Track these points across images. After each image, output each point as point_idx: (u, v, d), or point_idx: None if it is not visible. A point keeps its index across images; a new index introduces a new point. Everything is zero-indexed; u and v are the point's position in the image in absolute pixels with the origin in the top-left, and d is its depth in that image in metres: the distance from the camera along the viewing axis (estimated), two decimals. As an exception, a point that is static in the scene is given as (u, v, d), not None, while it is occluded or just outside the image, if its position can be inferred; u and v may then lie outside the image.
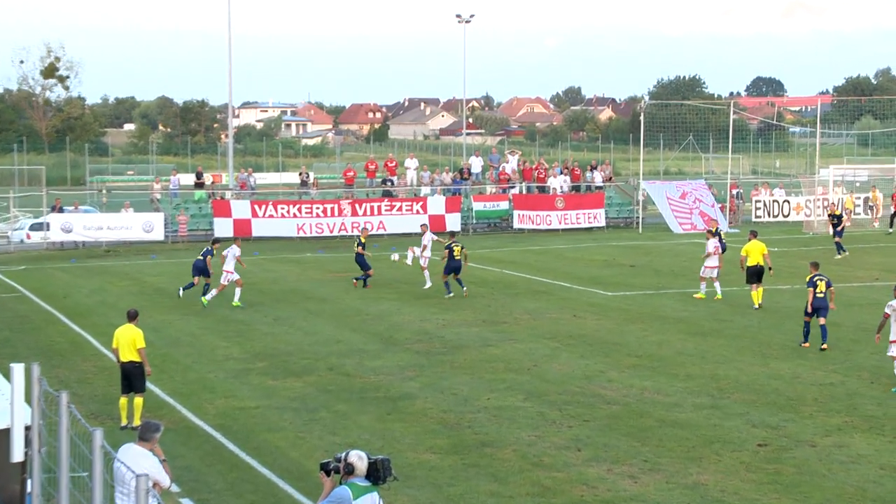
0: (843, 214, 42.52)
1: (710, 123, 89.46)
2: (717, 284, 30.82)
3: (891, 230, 49.48)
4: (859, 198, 55.67)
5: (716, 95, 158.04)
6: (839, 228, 41.24)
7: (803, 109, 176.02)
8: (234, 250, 30.34)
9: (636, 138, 62.24)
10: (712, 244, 30.98)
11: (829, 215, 43.19)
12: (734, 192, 56.31)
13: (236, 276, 30.25)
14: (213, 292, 30.09)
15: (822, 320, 23.61)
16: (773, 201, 55.90)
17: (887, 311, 20.29)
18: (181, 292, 31.10)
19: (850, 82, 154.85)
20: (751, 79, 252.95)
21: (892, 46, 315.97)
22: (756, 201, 55.73)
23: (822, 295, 23.66)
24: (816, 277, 23.93)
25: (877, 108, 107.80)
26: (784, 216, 55.43)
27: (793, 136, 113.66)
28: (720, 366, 22.24)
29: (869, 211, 54.75)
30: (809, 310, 23.76)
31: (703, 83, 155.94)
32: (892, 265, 38.28)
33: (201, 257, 30.72)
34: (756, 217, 55.01)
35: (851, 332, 25.64)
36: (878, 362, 22.01)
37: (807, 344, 23.89)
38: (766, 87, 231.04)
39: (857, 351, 23.51)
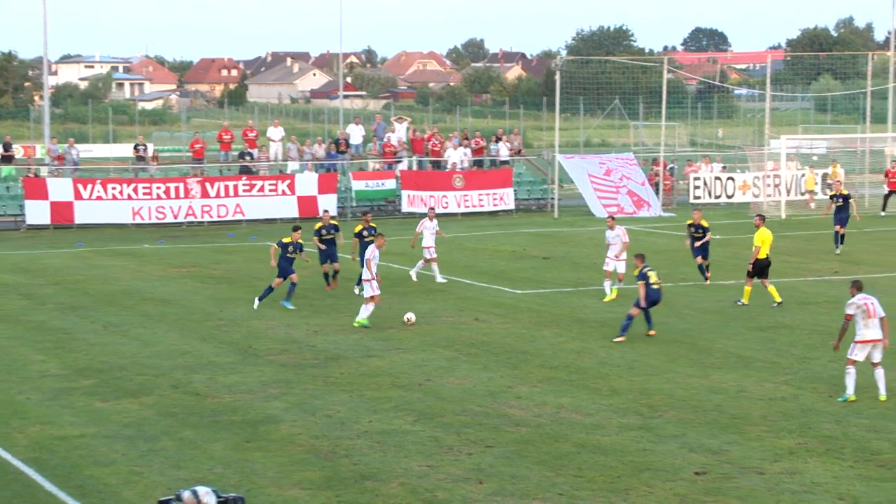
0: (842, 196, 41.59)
1: (641, 84, 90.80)
2: (607, 283, 31.26)
3: (883, 213, 50.87)
4: (817, 174, 57.06)
5: (647, 51, 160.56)
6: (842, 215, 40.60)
7: (751, 68, 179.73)
8: None
9: (551, 102, 62.83)
10: (613, 235, 31.35)
11: (832, 196, 42.54)
12: (669, 167, 57.26)
13: None
14: None
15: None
16: (715, 179, 56.99)
17: (849, 311, 20.85)
18: (256, 303, 30.39)
19: (807, 35, 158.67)
20: (688, 31, 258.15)
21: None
22: (694, 178, 56.72)
23: (656, 286, 26.17)
24: (646, 269, 26.27)
25: (837, 67, 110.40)
26: (728, 196, 56.54)
27: (738, 100, 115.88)
28: (651, 378, 22.62)
29: (828, 190, 56.16)
30: (643, 304, 26.14)
31: (632, 35, 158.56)
32: (855, 255, 39.38)
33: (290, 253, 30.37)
34: (695, 198, 56.00)
35: (807, 336, 26.31)
36: (836, 372, 22.59)
37: (622, 338, 25.86)
38: (707, 40, 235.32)
39: (812, 359, 24.15)
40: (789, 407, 20.45)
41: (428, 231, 34.64)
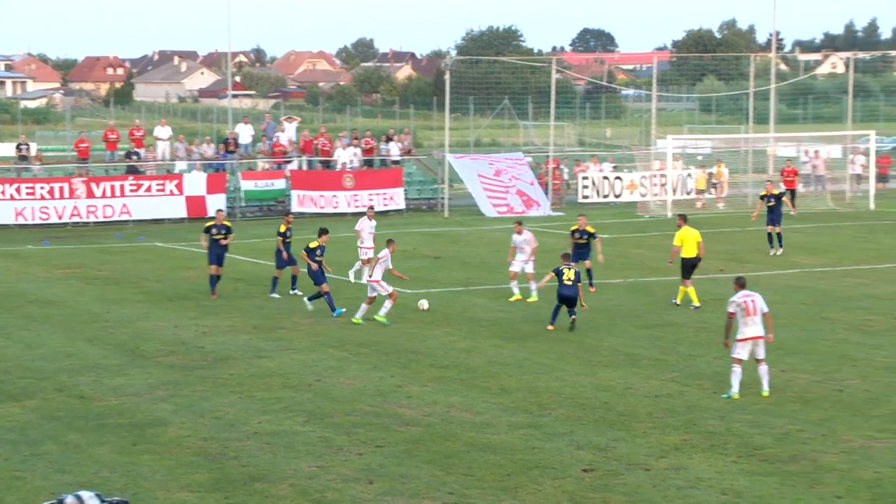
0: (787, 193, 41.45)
1: (530, 84, 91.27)
2: (513, 283, 31.50)
3: (793, 213, 51.62)
4: (710, 173, 57.78)
5: (536, 51, 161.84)
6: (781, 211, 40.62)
7: (638, 68, 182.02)
8: None
9: (441, 102, 62.92)
10: (521, 239, 31.55)
11: (763, 196, 41.30)
12: (558, 167, 57.74)
13: None
14: None
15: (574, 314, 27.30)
16: (603, 178, 57.59)
17: (730, 309, 21.23)
18: (309, 305, 29.74)
19: (692, 36, 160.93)
20: (577, 31, 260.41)
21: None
22: (583, 178, 57.26)
23: (569, 283, 27.11)
24: (564, 267, 27.40)
25: (721, 67, 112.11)
26: (615, 196, 57.14)
27: (626, 101, 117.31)
28: (540, 377, 22.81)
29: (713, 189, 57.11)
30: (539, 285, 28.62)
31: (521, 36, 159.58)
32: (740, 253, 40.07)
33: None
34: (583, 197, 56.56)
35: (693, 334, 26.72)
36: (720, 369, 22.99)
37: (552, 326, 27.21)
38: (595, 41, 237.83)
39: (698, 356, 24.53)
40: (675, 404, 20.76)
41: (366, 231, 34.39)
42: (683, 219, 30.96)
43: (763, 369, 21.27)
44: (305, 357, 24.53)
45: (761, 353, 21.18)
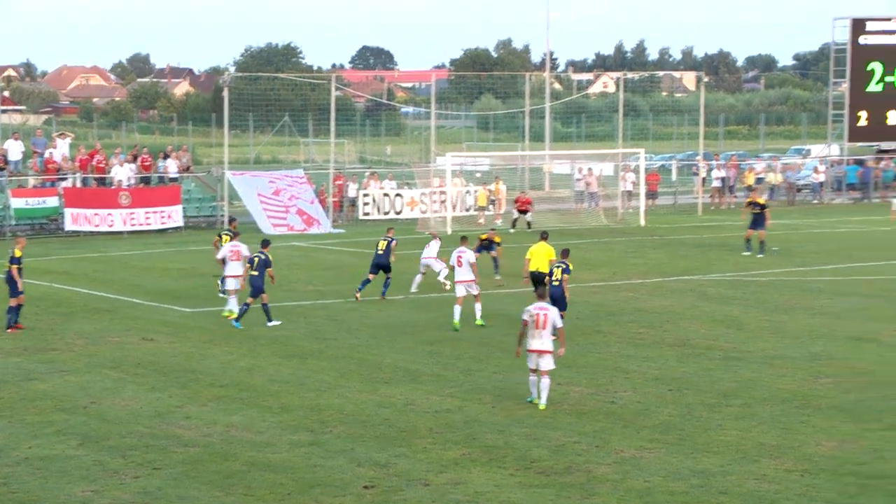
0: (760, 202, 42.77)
1: (310, 101, 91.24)
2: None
3: (512, 230, 52.59)
4: (490, 190, 58.51)
5: (315, 68, 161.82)
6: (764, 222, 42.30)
7: (417, 86, 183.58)
8: None
9: (220, 119, 62.35)
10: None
11: (749, 203, 43.54)
12: (338, 184, 57.75)
13: None
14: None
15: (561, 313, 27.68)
16: (384, 195, 57.89)
17: (524, 317, 21.64)
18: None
19: (469, 55, 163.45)
20: (356, 49, 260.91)
21: (510, 15, 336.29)
22: (364, 195, 57.45)
23: (556, 283, 27.54)
24: (555, 266, 28.16)
25: (498, 86, 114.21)
26: (396, 213, 57.52)
27: (406, 118, 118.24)
28: (322, 394, 22.78)
29: (492, 206, 57.99)
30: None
31: (301, 53, 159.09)
32: (518, 269, 40.63)
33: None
34: (364, 214, 56.73)
35: (472, 349, 27.05)
36: (500, 383, 23.36)
37: None
38: (375, 58, 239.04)
39: (477, 371, 24.85)
40: (455, 419, 20.99)
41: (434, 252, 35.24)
42: (544, 236, 31.56)
43: (545, 383, 21.68)
44: (80, 379, 23.94)
45: (543, 366, 21.60)
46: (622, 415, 21.28)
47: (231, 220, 38.29)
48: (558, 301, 26.35)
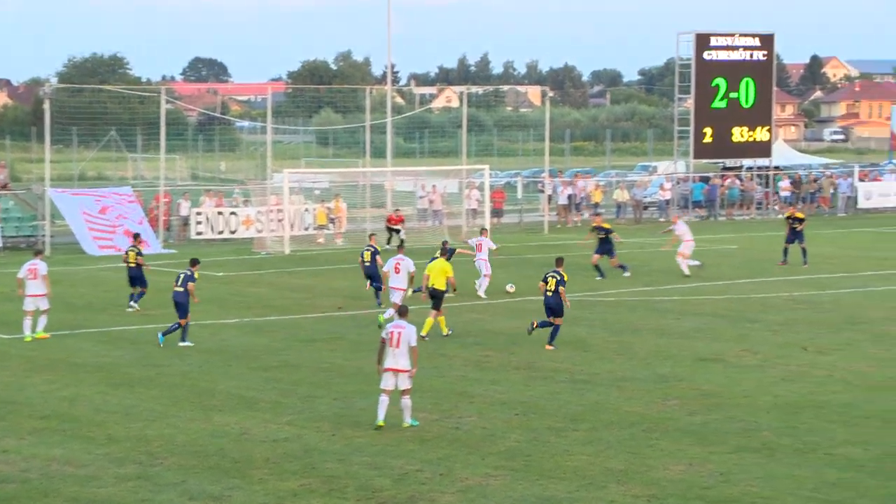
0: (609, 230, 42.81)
1: (138, 115, 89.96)
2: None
3: (388, 245, 52.47)
4: (329, 209, 58.27)
5: (144, 80, 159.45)
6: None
7: (253, 99, 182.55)
8: None
9: (40, 133, 61.06)
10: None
11: (594, 228, 43.64)
12: (168, 201, 57.00)
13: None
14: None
15: (558, 321, 29.53)
16: (218, 214, 57.24)
17: (382, 335, 21.89)
18: None
19: (307, 68, 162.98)
20: (187, 60, 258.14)
21: (351, 25, 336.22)
22: (196, 213, 56.76)
23: (550, 294, 29.32)
24: (549, 275, 29.66)
25: (338, 100, 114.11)
26: (231, 232, 56.92)
27: (241, 133, 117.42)
28: (151, 423, 22.41)
29: (331, 224, 57.80)
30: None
31: (128, 64, 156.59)
32: (360, 290, 40.60)
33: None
34: (197, 233, 56.03)
35: (311, 375, 26.90)
36: (340, 410, 23.27)
37: (550, 346, 29.42)
38: (207, 70, 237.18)
39: (317, 397, 24.70)
40: (293, 447, 20.82)
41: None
42: (443, 252, 33.21)
43: (405, 402, 21.76)
44: None
45: (402, 385, 21.68)
46: (467, 441, 21.36)
47: (135, 236, 39.22)
48: (554, 310, 29.08)
